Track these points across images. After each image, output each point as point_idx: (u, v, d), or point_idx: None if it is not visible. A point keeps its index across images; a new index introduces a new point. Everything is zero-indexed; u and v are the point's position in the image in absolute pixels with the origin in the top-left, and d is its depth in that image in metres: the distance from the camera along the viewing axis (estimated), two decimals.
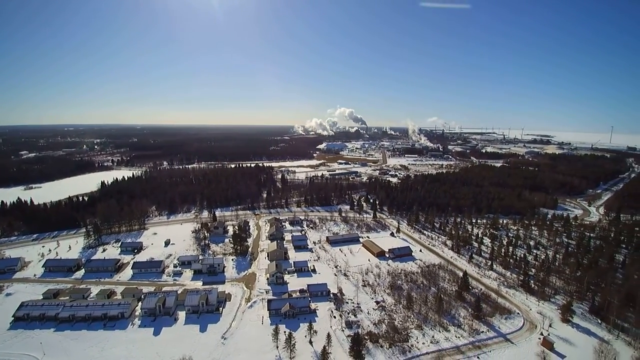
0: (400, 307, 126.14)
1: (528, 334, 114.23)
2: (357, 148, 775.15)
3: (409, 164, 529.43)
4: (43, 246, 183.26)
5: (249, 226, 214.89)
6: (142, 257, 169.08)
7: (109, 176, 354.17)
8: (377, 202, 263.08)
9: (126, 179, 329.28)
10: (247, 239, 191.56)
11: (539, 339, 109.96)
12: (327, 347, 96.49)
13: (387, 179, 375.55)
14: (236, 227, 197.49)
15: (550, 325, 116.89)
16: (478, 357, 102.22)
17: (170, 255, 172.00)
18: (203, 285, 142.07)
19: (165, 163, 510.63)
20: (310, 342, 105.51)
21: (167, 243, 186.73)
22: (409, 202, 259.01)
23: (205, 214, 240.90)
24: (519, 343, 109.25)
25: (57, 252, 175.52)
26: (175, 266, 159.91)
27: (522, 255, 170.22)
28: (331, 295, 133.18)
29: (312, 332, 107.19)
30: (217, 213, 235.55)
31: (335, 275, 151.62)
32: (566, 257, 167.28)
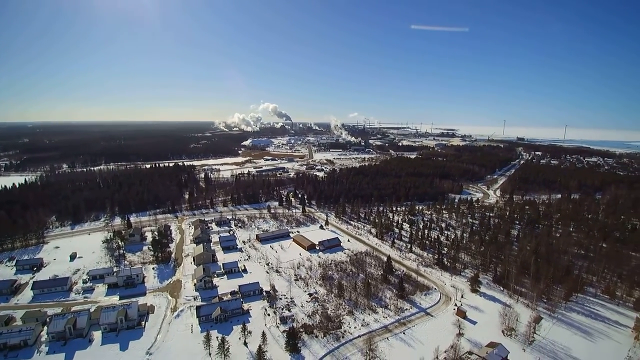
0: (332, 296, 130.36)
1: (444, 306, 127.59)
2: (283, 144, 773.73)
3: (334, 158, 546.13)
4: None
5: (171, 230, 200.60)
6: (43, 275, 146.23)
7: None
8: (306, 197, 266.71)
9: (17, 186, 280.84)
10: (169, 245, 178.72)
11: (454, 309, 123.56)
12: (262, 346, 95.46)
13: (314, 173, 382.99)
14: (155, 233, 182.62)
15: (462, 296, 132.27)
16: (404, 333, 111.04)
17: (78, 270, 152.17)
18: (120, 299, 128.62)
19: (65, 166, 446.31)
20: (245, 344, 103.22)
21: (73, 257, 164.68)
22: (335, 195, 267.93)
23: (118, 220, 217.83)
24: (437, 315, 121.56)
25: None
26: (85, 282, 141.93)
27: (436, 237, 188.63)
28: (264, 293, 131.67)
29: (246, 333, 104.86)
30: (132, 219, 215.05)
31: (267, 272, 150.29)
32: (472, 236, 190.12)
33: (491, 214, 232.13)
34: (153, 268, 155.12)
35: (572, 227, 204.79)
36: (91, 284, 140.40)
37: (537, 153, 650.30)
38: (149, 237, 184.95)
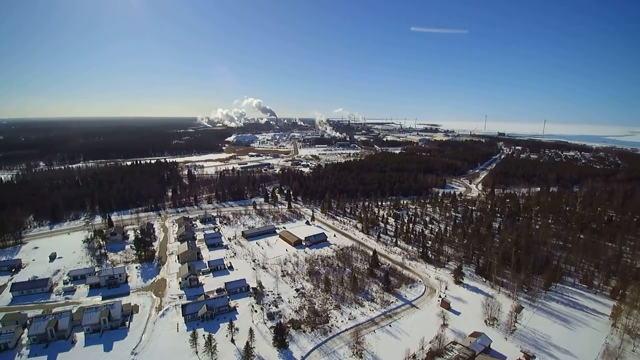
0: (319, 291, 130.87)
1: (429, 298, 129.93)
2: (268, 140, 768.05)
3: (319, 153, 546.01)
4: None
5: (154, 229, 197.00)
6: (22, 276, 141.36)
7: None
8: (291, 193, 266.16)
9: None
10: (153, 243, 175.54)
11: (438, 301, 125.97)
12: (250, 342, 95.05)
13: (300, 169, 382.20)
14: (138, 231, 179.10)
15: (446, 288, 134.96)
16: (390, 325, 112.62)
17: (59, 270, 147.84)
18: (103, 300, 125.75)
19: (42, 164, 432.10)
20: (232, 341, 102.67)
21: (52, 257, 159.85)
22: (321, 191, 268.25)
23: (99, 219, 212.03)
24: (422, 307, 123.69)
25: None
26: (65, 282, 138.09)
27: (420, 230, 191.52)
28: (251, 290, 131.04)
29: (233, 330, 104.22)
30: (114, 217, 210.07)
31: (254, 269, 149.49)
32: (455, 229, 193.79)
33: (473, 208, 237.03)
34: (136, 267, 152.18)
35: (551, 219, 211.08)
36: (72, 284, 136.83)
37: (517, 147, 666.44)
38: (132, 235, 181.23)
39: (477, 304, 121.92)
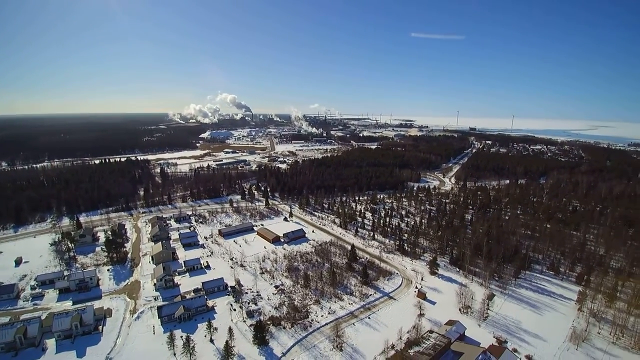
0: (298, 287, 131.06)
1: (406, 289, 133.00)
2: (244, 136, 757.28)
3: (296, 149, 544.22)
4: None
5: (126, 229, 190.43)
6: None
7: None
8: (269, 189, 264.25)
9: None
10: (125, 244, 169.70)
11: (415, 292, 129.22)
12: (229, 341, 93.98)
13: (277, 165, 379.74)
14: (109, 232, 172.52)
15: (422, 279, 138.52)
16: (369, 317, 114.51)
17: (25, 275, 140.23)
18: (74, 304, 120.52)
19: (4, 164, 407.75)
20: (211, 341, 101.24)
21: (18, 262, 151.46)
22: (299, 187, 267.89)
23: (67, 221, 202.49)
24: (400, 298, 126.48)
25: None
26: (33, 288, 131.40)
27: (397, 224, 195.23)
28: (229, 288, 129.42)
29: (212, 330, 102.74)
30: (82, 219, 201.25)
31: (232, 267, 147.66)
32: (430, 221, 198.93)
33: (447, 200, 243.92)
34: (108, 270, 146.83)
35: (519, 210, 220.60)
36: (40, 289, 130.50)
37: (487, 142, 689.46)
38: (102, 237, 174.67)
39: (452, 293, 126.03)
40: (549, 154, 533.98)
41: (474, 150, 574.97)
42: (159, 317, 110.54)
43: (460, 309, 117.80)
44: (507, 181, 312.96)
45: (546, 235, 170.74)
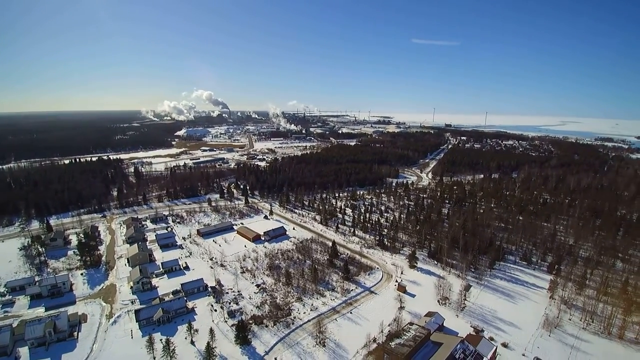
0: (280, 285, 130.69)
1: (387, 283, 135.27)
2: (221, 133, 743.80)
3: (275, 147, 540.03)
4: None
5: (99, 231, 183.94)
6: None
7: None
8: (248, 188, 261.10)
9: None
10: (99, 247, 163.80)
11: (395, 285, 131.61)
12: (211, 342, 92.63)
13: (256, 163, 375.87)
14: (81, 235, 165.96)
15: (402, 273, 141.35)
16: (351, 312, 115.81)
17: None
18: (46, 311, 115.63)
19: None
20: (192, 342, 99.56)
21: None
22: (279, 184, 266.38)
23: (36, 224, 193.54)
24: (380, 292, 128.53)
25: None
26: (2, 295, 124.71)
27: (376, 220, 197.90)
28: (209, 289, 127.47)
29: (192, 331, 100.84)
30: (53, 221, 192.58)
31: (212, 267, 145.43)
32: (408, 216, 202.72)
33: (424, 195, 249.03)
34: (82, 274, 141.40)
35: (493, 203, 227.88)
36: (10, 296, 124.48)
37: (462, 138, 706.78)
38: (74, 240, 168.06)
39: (431, 286, 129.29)
40: (521, 149, 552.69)
41: (449, 146, 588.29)
42: (137, 321, 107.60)
43: (438, 301, 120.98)
44: (482, 176, 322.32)
45: (519, 227, 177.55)
